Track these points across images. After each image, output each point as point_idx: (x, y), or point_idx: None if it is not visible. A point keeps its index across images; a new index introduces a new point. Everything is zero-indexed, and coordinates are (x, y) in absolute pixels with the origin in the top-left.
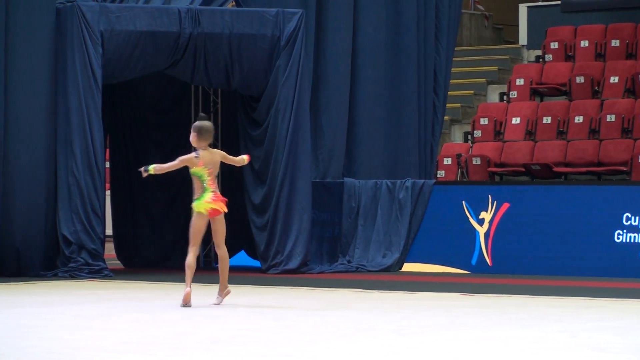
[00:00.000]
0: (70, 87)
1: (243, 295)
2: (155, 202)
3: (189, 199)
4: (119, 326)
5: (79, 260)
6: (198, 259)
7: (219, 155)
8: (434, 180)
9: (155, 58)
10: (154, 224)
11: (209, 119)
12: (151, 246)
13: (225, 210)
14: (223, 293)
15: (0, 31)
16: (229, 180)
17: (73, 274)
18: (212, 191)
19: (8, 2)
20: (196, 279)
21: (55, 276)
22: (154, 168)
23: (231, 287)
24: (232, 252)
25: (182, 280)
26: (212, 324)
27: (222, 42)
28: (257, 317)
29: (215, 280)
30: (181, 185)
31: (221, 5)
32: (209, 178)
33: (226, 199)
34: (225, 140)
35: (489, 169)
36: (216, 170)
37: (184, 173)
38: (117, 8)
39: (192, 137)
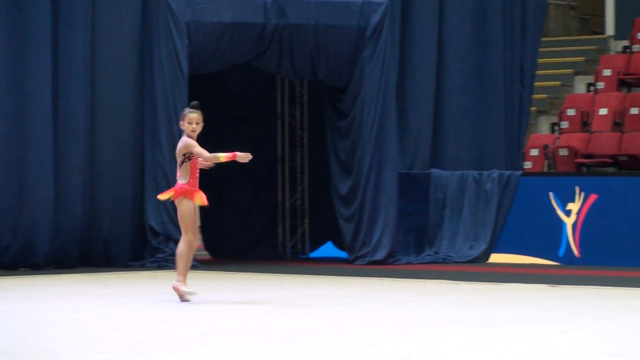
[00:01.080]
0: (156, 79)
1: (330, 286)
2: (242, 192)
3: (275, 190)
4: (205, 317)
5: (166, 251)
6: (262, 248)
7: None
8: (520, 172)
9: (240, 49)
10: (240, 215)
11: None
12: (238, 236)
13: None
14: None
15: (86, 22)
16: (315, 172)
17: (160, 265)
18: None
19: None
20: (283, 270)
21: (142, 267)
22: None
23: (318, 278)
24: (319, 243)
25: (269, 271)
26: (297, 315)
27: (307, 33)
28: (343, 309)
29: (304, 272)
30: (267, 176)
31: None
32: None
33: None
34: (312, 132)
35: (576, 160)
36: None
37: (269, 163)
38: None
39: (200, 125)
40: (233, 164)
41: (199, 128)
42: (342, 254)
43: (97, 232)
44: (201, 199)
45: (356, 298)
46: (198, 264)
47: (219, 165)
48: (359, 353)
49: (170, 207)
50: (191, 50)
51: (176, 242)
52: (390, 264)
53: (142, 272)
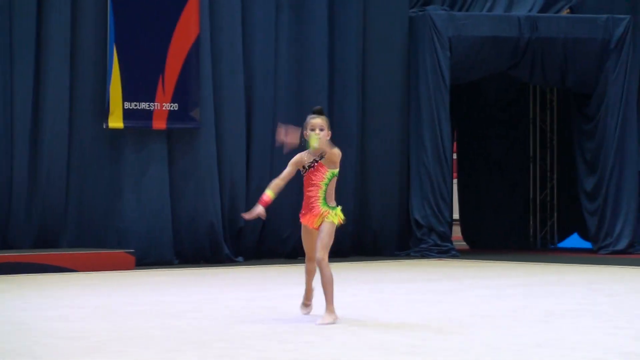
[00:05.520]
0: (420, 87)
1: (577, 273)
2: (497, 190)
3: (527, 187)
4: (467, 300)
5: (428, 242)
6: (514, 239)
7: None
8: None
9: (497, 61)
10: (495, 209)
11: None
12: (493, 229)
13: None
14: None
15: (359, 33)
16: (563, 170)
17: (424, 254)
18: None
19: (365, 12)
20: (534, 258)
21: (407, 256)
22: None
23: (567, 268)
24: (566, 235)
25: (521, 259)
26: (548, 298)
27: (557, 46)
28: (590, 293)
29: (553, 260)
30: (520, 174)
31: (557, 12)
32: None
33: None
34: (560, 134)
35: None
36: None
37: (522, 162)
38: (464, 16)
39: (328, 134)
40: (488, 162)
41: (323, 135)
42: (587, 245)
43: (367, 225)
44: (306, 220)
45: (601, 283)
46: (458, 254)
47: (478, 165)
48: (604, 332)
49: (432, 202)
50: (452, 62)
51: (438, 234)
52: (631, 253)
53: (407, 260)
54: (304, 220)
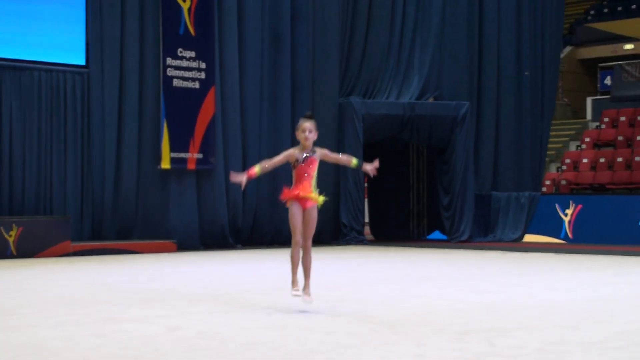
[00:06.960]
0: (346, 146)
1: (437, 254)
2: (391, 204)
3: (408, 202)
4: (371, 269)
5: (350, 235)
6: (401, 233)
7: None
8: (540, 193)
9: (390, 129)
10: (390, 215)
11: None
12: (388, 226)
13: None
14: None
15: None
16: (430, 193)
17: (348, 243)
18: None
19: (313, 100)
20: (413, 245)
21: (337, 244)
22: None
23: (433, 251)
24: (432, 231)
25: (406, 246)
26: (420, 269)
27: (426, 120)
28: (445, 265)
29: (424, 246)
30: (405, 194)
31: (426, 99)
32: None
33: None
34: (429, 171)
35: (570, 186)
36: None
37: (406, 188)
38: (371, 102)
39: (316, 134)
40: (385, 188)
41: (311, 136)
42: (444, 237)
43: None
44: (298, 199)
45: (454, 260)
46: (368, 242)
47: (378, 190)
48: (454, 288)
49: (352, 211)
50: (364, 130)
51: (356, 231)
52: (470, 242)
53: (337, 246)
54: (299, 200)
